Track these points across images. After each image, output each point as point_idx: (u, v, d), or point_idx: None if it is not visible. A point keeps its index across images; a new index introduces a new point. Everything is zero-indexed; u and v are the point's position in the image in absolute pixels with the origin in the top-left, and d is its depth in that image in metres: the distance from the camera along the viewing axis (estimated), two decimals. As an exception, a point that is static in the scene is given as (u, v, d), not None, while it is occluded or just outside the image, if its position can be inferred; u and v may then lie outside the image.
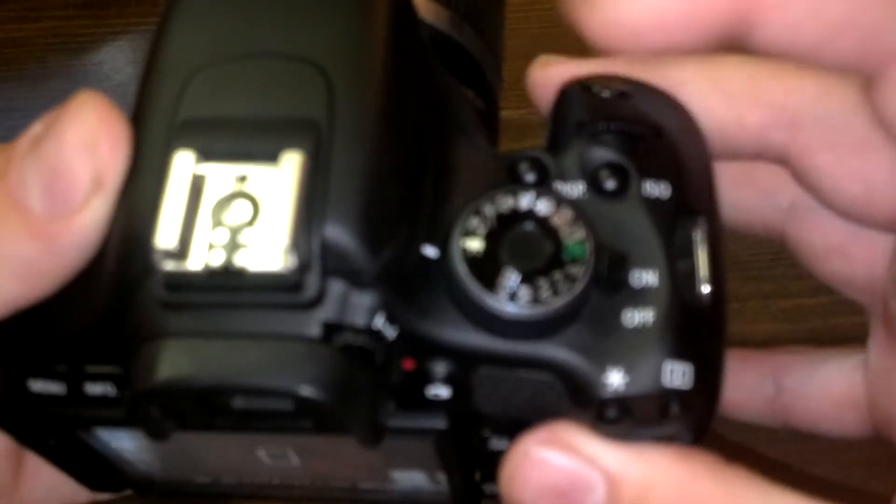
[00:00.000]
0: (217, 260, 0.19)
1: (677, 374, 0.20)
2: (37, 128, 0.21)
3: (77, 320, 0.21)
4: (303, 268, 0.19)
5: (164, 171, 0.19)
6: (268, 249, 0.19)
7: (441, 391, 0.21)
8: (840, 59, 0.22)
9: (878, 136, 0.22)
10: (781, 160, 0.25)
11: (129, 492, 0.27)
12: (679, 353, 0.20)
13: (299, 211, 0.19)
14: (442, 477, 0.24)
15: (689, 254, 0.21)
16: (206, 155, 0.19)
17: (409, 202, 0.21)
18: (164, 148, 0.20)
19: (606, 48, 0.21)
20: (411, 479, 0.24)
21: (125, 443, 0.24)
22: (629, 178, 0.21)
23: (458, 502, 0.24)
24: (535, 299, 0.20)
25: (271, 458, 0.24)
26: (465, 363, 0.21)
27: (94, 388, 0.21)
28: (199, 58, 0.21)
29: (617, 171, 0.21)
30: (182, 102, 0.21)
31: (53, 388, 0.22)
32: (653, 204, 0.21)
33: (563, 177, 0.21)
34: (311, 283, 0.19)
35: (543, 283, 0.20)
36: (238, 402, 0.20)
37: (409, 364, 0.21)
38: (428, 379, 0.21)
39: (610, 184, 0.21)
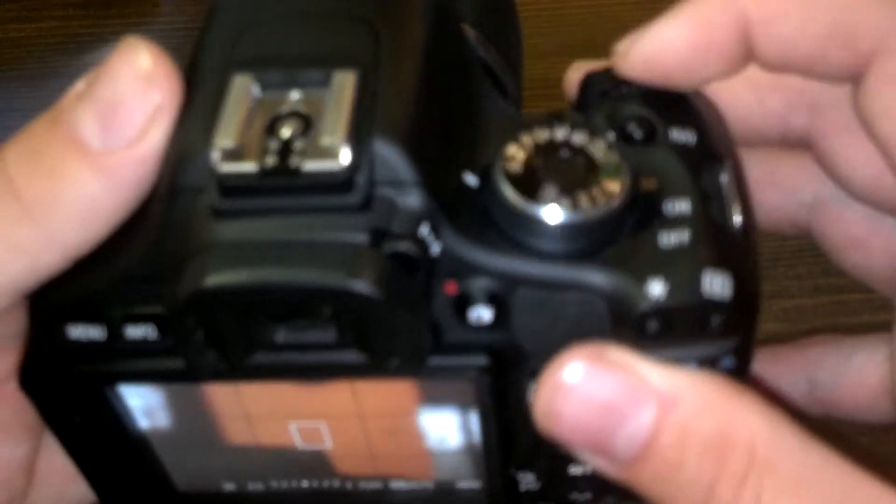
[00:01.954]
0: (271, 161, 0.19)
1: (717, 284, 0.21)
2: (79, 85, 0.21)
3: (122, 259, 0.21)
4: (353, 168, 0.20)
5: (222, 92, 0.21)
6: (321, 152, 0.19)
7: (483, 313, 0.21)
8: (833, 69, 0.23)
9: None
10: (804, 143, 0.26)
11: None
12: (718, 264, 0.21)
13: (350, 121, 0.20)
14: (474, 428, 0.23)
15: (717, 192, 0.22)
16: (262, 79, 0.21)
17: (449, 133, 0.22)
18: (222, 75, 0.21)
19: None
20: (441, 425, 0.24)
21: (155, 419, 0.24)
22: (655, 128, 0.22)
23: (491, 463, 0.24)
24: (575, 208, 0.20)
25: (305, 439, 0.24)
26: (506, 285, 0.21)
27: (135, 332, 0.22)
28: (252, 17, 0.23)
29: (643, 122, 0.22)
30: (238, 45, 0.22)
31: (93, 332, 0.22)
32: (680, 149, 0.22)
33: (594, 131, 0.22)
34: (361, 185, 0.20)
35: (582, 196, 0.21)
36: (280, 336, 0.21)
37: (451, 288, 0.21)
38: (470, 301, 0.21)
39: (638, 133, 0.22)
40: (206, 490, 0.26)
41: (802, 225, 0.28)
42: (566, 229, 0.21)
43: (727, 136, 0.24)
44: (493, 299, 0.21)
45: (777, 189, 0.28)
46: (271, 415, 0.24)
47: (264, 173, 0.20)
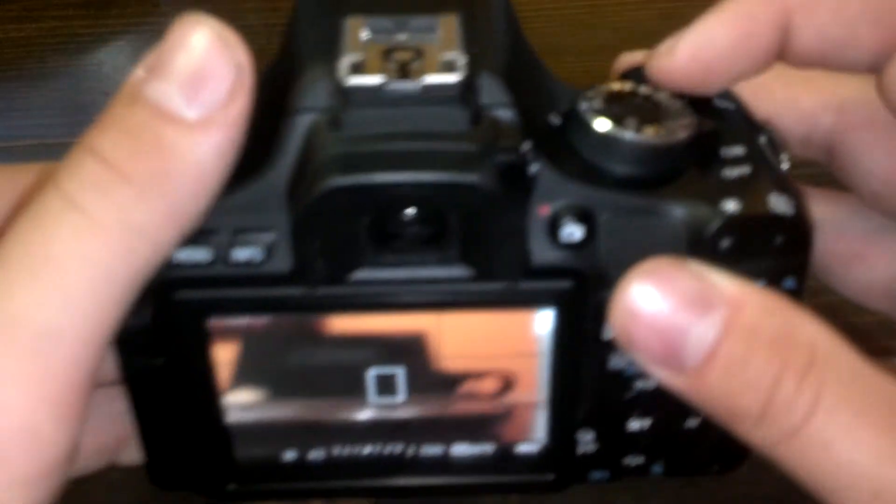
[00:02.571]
0: (393, 75, 0.22)
1: (781, 203, 0.23)
2: (143, 66, 0.21)
3: (232, 182, 0.22)
4: (467, 83, 0.22)
5: (336, 30, 0.23)
6: (438, 66, 0.22)
7: (574, 231, 0.23)
8: (862, 54, 0.25)
9: None
10: (827, 142, 0.27)
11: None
12: (781, 188, 0.24)
13: (459, 46, 0.22)
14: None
15: (761, 147, 0.25)
16: (372, 23, 0.23)
17: (532, 78, 0.25)
18: (333, 19, 0.23)
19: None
20: (512, 372, 0.25)
21: (237, 372, 0.25)
22: (699, 96, 0.25)
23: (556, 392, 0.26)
24: (656, 134, 0.23)
25: (379, 391, 0.25)
26: (592, 208, 0.23)
27: (242, 254, 0.23)
28: None
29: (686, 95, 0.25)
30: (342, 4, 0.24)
31: (199, 255, 0.23)
32: (724, 111, 0.26)
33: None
34: (472, 101, 0.22)
35: (658, 126, 0.24)
36: (386, 253, 0.23)
37: (543, 210, 0.23)
38: (561, 220, 0.23)
39: (685, 98, 0.25)
40: (265, 458, 0.27)
41: None
42: (647, 153, 0.23)
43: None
44: (583, 218, 0.23)
45: None
46: (350, 361, 0.25)
47: (387, 85, 0.22)
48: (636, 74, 0.26)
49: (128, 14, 0.60)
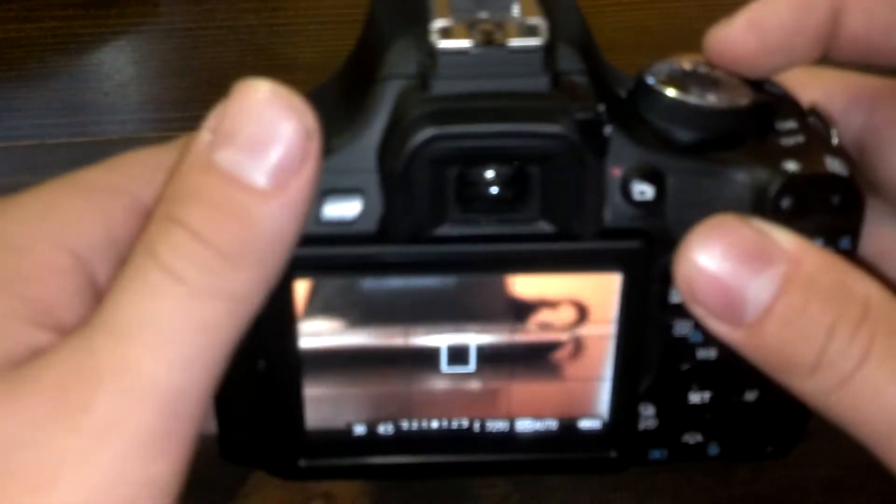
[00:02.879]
0: (480, 40, 0.24)
1: (837, 164, 0.25)
2: (205, 135, 0.21)
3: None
4: (549, 46, 0.24)
5: (422, 7, 0.24)
6: (523, 30, 0.24)
7: (646, 189, 0.25)
8: None
9: None
10: (857, 140, 0.28)
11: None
12: (835, 153, 0.25)
13: (539, 13, 0.24)
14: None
15: (811, 126, 0.26)
16: (453, 2, 0.24)
17: (599, 56, 0.26)
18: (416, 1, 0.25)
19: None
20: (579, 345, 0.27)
21: (316, 339, 0.26)
22: (748, 80, 0.27)
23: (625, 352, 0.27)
24: (719, 100, 0.25)
25: (450, 360, 0.27)
26: (662, 170, 0.25)
27: (332, 213, 0.24)
28: None
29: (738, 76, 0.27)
30: None
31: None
32: (774, 93, 0.27)
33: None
34: (552, 65, 0.24)
35: (722, 93, 0.25)
36: (469, 210, 0.25)
37: (616, 170, 0.25)
38: (633, 179, 0.25)
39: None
40: (335, 431, 0.28)
41: None
42: (712, 117, 0.25)
43: None
44: (653, 178, 0.25)
45: None
46: (426, 330, 0.26)
47: (474, 48, 0.23)
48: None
49: (128, 14, 0.60)
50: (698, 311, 0.22)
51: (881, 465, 0.21)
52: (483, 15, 0.24)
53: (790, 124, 0.26)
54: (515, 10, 0.25)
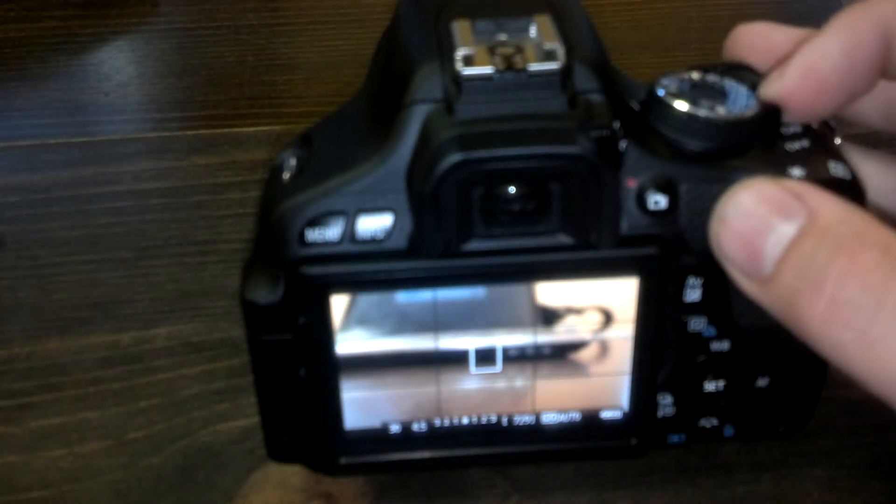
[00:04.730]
0: (500, 65, 0.25)
1: (839, 169, 0.26)
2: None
3: (359, 167, 0.26)
4: (567, 69, 0.25)
5: (445, 33, 0.26)
6: (541, 55, 0.25)
7: (660, 199, 0.26)
8: None
9: None
10: None
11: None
12: (838, 158, 0.27)
13: (556, 37, 0.26)
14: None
15: (814, 128, 0.28)
16: (475, 25, 0.26)
17: (613, 70, 0.27)
18: (438, 23, 0.27)
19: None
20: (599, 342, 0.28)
21: (353, 346, 0.28)
22: (757, 84, 0.28)
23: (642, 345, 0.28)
24: (728, 111, 0.26)
25: (478, 362, 0.28)
26: (675, 180, 0.26)
27: (366, 231, 0.26)
28: None
29: (747, 81, 0.28)
30: (444, 9, 0.27)
31: (329, 233, 0.26)
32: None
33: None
34: (569, 86, 0.25)
35: (729, 106, 0.27)
36: (494, 227, 0.26)
37: (631, 182, 0.26)
38: (648, 190, 0.26)
39: (747, 84, 0.28)
40: (373, 431, 0.29)
41: None
42: (721, 128, 0.26)
43: None
44: (667, 188, 0.26)
45: None
46: (456, 335, 0.28)
47: (496, 74, 0.25)
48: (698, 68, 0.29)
49: (127, 14, 0.60)
50: (727, 266, 0.24)
51: (881, 464, 0.21)
52: (503, 37, 0.26)
53: (795, 128, 0.27)
54: (533, 32, 0.26)
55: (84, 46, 0.58)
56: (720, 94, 0.27)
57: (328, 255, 0.26)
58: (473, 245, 0.26)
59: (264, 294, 0.27)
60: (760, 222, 0.23)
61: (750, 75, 0.28)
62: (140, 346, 0.39)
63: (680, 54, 0.55)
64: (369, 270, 0.26)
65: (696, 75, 0.28)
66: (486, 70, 0.25)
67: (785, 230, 0.22)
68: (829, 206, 0.22)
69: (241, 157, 0.49)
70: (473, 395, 0.29)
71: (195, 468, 0.35)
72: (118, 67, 0.56)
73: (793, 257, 0.22)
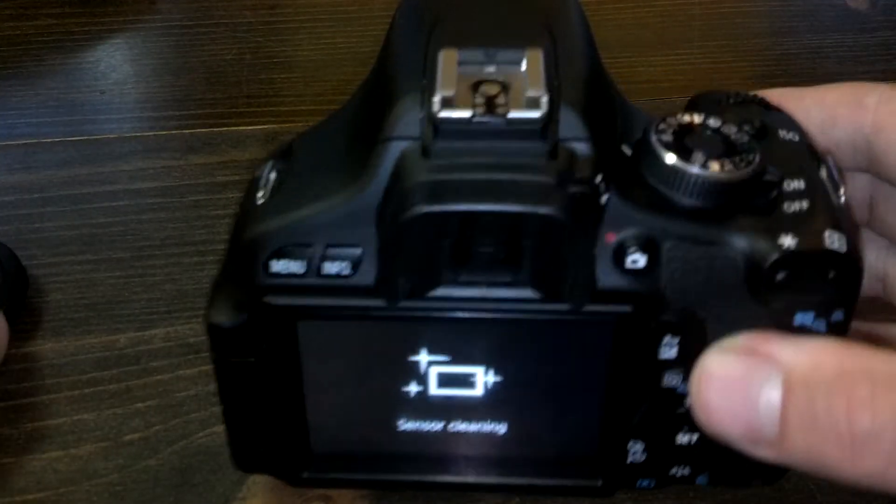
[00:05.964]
0: (481, 109, 0.24)
1: (835, 240, 0.25)
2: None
3: (329, 201, 0.25)
4: (548, 118, 0.24)
5: (430, 63, 0.25)
6: (522, 102, 0.24)
7: (639, 259, 0.25)
8: None
9: None
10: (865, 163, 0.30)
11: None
12: (836, 226, 0.25)
13: (545, 81, 0.24)
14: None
15: (822, 179, 0.26)
16: (464, 55, 0.25)
17: (608, 111, 0.26)
18: (427, 51, 0.25)
19: None
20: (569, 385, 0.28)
21: (319, 371, 0.27)
22: (767, 126, 0.27)
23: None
24: (720, 169, 0.25)
25: (444, 387, 0.27)
26: (657, 237, 0.25)
27: (332, 267, 0.25)
28: (440, 12, 0.27)
29: (758, 121, 0.27)
30: (434, 32, 0.26)
31: (294, 266, 0.25)
32: (788, 143, 0.27)
33: (724, 120, 0.27)
34: (551, 135, 0.24)
35: (725, 161, 0.25)
36: (462, 273, 0.25)
37: (610, 237, 0.25)
38: (627, 248, 0.25)
39: (752, 130, 0.26)
40: (338, 450, 0.29)
41: (878, 272, 0.31)
42: (712, 187, 0.24)
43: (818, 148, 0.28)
44: (647, 247, 0.25)
45: None
46: (423, 361, 0.27)
47: (475, 118, 0.24)
48: (708, 101, 0.28)
49: (124, 12, 0.60)
50: (732, 444, 0.23)
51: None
52: (491, 69, 0.25)
53: (796, 184, 0.26)
54: (524, 67, 0.25)
55: (80, 44, 0.57)
56: (719, 144, 0.25)
57: (293, 287, 0.26)
58: (440, 292, 0.26)
59: (229, 317, 0.26)
60: (742, 396, 0.22)
61: (758, 115, 0.27)
62: (137, 347, 0.39)
63: (683, 52, 0.55)
64: (334, 306, 0.26)
65: (697, 118, 0.26)
66: (465, 114, 0.24)
67: (772, 395, 0.22)
68: (794, 355, 0.22)
69: (238, 156, 0.48)
70: (442, 423, 0.29)
71: (192, 470, 0.35)
72: (115, 65, 0.56)
73: (793, 415, 0.22)
